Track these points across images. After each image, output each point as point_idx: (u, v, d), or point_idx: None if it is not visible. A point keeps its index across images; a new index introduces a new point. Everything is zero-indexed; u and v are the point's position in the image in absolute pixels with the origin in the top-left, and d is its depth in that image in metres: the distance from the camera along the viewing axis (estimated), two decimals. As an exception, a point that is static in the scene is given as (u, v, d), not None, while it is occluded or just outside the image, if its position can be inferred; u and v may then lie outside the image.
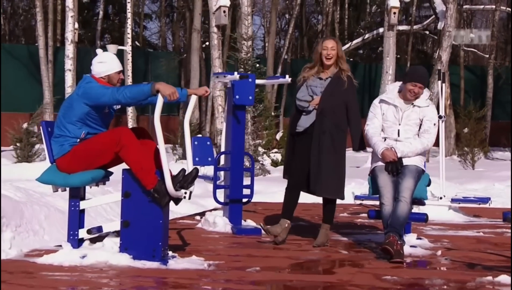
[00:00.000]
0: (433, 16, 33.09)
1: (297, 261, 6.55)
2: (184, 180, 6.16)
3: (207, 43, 34.40)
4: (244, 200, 8.37)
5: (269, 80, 9.18)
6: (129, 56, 20.84)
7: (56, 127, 6.38)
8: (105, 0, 31.99)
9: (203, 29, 29.73)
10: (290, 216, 7.39)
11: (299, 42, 41.00)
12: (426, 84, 7.07)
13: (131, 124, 22.83)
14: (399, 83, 7.19)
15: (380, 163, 7.00)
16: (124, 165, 6.36)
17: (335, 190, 7.20)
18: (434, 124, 7.02)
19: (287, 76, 8.27)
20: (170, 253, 6.35)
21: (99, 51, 6.61)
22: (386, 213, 6.71)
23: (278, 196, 12.18)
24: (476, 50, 39.21)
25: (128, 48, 20.51)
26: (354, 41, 32.56)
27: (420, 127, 7.05)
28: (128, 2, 20.71)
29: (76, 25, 21.87)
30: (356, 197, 9.94)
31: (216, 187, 8.35)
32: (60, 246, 6.49)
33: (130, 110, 22.29)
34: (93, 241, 6.47)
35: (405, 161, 6.91)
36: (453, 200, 9.27)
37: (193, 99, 6.59)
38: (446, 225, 8.91)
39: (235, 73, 7.98)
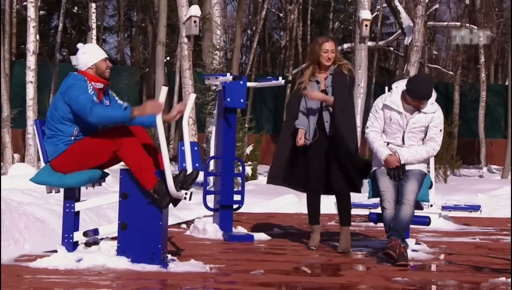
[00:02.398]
0: (397, 32, 33.39)
1: (298, 264, 6.46)
2: (184, 181, 6.03)
3: (168, 58, 34.31)
4: (235, 206, 8.26)
5: (261, 83, 9.09)
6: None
7: (47, 129, 6.22)
8: (64, 13, 31.63)
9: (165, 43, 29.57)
10: (318, 220, 7.53)
11: (262, 58, 41.09)
12: (429, 97, 6.85)
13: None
14: (402, 85, 6.98)
15: (381, 166, 6.91)
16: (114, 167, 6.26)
17: (359, 185, 7.32)
18: (440, 130, 6.91)
19: (280, 78, 8.20)
20: (169, 256, 6.22)
21: (80, 45, 6.42)
22: (388, 217, 6.64)
23: (257, 207, 12.18)
24: (440, 67, 39.66)
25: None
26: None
27: (425, 133, 6.93)
28: (93, 13, 20.53)
29: (38, 36, 21.56)
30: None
31: (206, 193, 8.22)
32: (50, 251, 6.35)
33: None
34: (88, 244, 6.31)
35: (410, 166, 6.83)
36: (443, 208, 9.27)
37: (192, 98, 6.50)
38: (438, 232, 8.90)
39: (228, 74, 7.89)
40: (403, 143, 6.90)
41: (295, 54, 36.37)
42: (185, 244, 7.47)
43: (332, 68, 7.31)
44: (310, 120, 7.28)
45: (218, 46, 16.96)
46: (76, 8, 37.74)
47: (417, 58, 24.48)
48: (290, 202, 12.61)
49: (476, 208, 9.21)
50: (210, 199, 8.40)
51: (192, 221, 9.06)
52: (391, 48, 37.04)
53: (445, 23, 37.07)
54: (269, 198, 12.95)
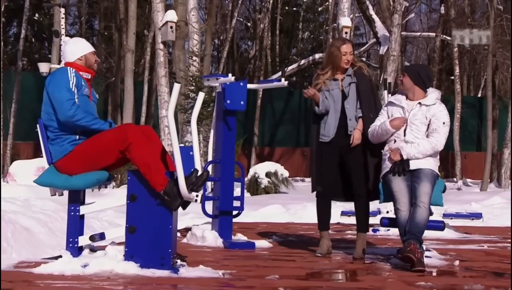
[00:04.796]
0: (369, 42, 33.62)
1: (312, 270, 6.42)
2: (194, 183, 5.95)
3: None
4: (234, 212, 8.18)
5: (262, 84, 9.04)
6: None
7: (49, 132, 6.13)
8: (27, 20, 31.34)
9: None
10: (328, 226, 7.48)
11: (230, 68, 41.07)
12: (411, 74, 6.92)
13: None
14: None
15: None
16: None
17: (376, 193, 7.24)
18: (444, 123, 6.92)
19: (282, 79, 8.13)
20: (179, 261, 6.12)
21: (66, 38, 6.46)
22: (403, 219, 6.61)
23: (244, 217, 12.05)
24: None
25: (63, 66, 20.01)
26: (289, 67, 32.72)
27: (428, 127, 6.96)
28: (62, 18, 20.33)
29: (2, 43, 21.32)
30: (343, 213, 9.93)
31: (204, 198, 8.12)
32: (49, 258, 6.24)
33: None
34: (93, 249, 6.20)
35: (420, 165, 6.82)
36: (445, 215, 9.30)
37: (201, 96, 6.45)
38: (442, 240, 8.88)
39: (229, 75, 7.82)
40: (405, 136, 6.91)
41: (265, 64, 36.43)
42: (186, 252, 7.36)
43: (350, 70, 7.33)
44: (332, 116, 7.28)
45: (197, 52, 16.91)
46: (37, 15, 37.42)
47: (393, 68, 24.57)
48: (278, 212, 12.58)
49: (479, 216, 9.26)
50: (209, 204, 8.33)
51: (185, 229, 8.96)
52: (363, 59, 37.22)
53: (418, 33, 37.42)
54: (255, 208, 12.89)
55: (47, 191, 6.34)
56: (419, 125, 6.93)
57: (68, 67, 6.13)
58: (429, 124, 6.92)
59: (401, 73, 7.06)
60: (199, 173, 5.99)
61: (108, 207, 6.73)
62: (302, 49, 42.07)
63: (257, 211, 12.70)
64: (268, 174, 19.57)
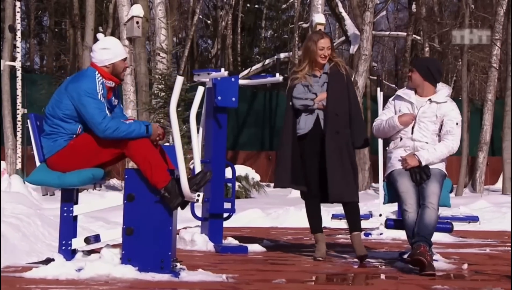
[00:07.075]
0: (337, 41, 33.73)
1: (317, 274, 6.41)
2: (197, 183, 5.92)
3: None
4: (225, 215, 8.15)
5: (255, 80, 9.00)
6: (19, 74, 19.90)
7: (46, 125, 6.04)
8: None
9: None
10: (321, 229, 7.48)
11: (190, 68, 41.00)
12: (421, 70, 6.96)
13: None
14: None
15: (398, 167, 6.91)
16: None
17: (356, 194, 7.30)
18: (457, 124, 6.97)
19: (277, 74, 8.11)
20: (178, 265, 6.07)
21: (100, 36, 6.28)
22: (411, 220, 6.61)
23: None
24: (381, 79, 40.21)
25: (18, 64, 19.75)
26: (254, 67, 32.75)
27: (440, 127, 6.97)
28: (18, 12, 20.11)
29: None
30: (334, 216, 9.95)
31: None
32: (36, 263, 6.15)
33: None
34: (87, 252, 6.12)
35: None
36: (441, 218, 9.28)
37: (200, 91, 6.41)
38: (439, 244, 8.88)
39: (222, 69, 7.77)
40: (412, 134, 6.93)
41: (228, 64, 36.36)
42: (177, 256, 7.31)
43: (327, 66, 7.33)
44: (307, 111, 7.29)
45: (166, 49, 16.83)
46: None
47: (365, 68, 24.70)
48: (258, 217, 12.55)
49: (476, 219, 9.32)
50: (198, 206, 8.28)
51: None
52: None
53: (387, 32, 37.68)
54: (233, 213, 12.85)
55: (6, 196, 6.26)
56: (427, 123, 6.95)
57: (96, 73, 6.01)
58: (441, 125, 6.95)
59: (409, 68, 7.09)
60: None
61: (103, 207, 6.62)
62: (265, 48, 42.11)
63: (235, 215, 12.65)
64: (238, 178, 19.28)
